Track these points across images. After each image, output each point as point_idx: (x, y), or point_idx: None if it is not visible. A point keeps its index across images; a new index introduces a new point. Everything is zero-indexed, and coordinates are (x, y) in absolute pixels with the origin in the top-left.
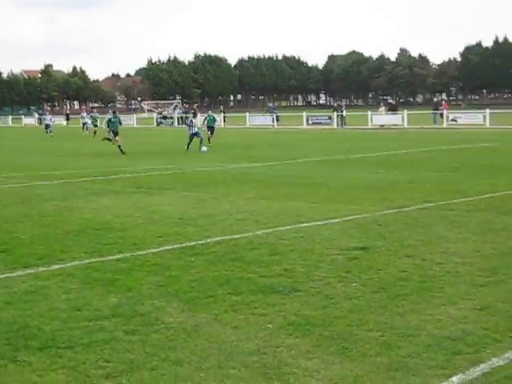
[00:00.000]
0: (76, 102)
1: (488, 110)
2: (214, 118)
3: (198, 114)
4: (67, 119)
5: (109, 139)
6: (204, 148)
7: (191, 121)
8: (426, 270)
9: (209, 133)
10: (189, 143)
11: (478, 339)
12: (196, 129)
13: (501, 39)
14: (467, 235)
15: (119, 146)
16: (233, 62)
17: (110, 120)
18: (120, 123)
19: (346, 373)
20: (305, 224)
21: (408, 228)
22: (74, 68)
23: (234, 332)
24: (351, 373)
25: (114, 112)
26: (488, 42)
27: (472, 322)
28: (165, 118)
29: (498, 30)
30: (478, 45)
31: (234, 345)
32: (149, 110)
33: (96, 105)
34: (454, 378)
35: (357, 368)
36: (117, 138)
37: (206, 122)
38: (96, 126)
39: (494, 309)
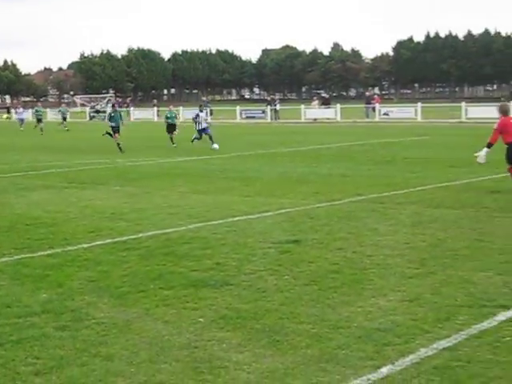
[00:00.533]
0: (7, 96)
1: (419, 104)
2: (175, 114)
3: (208, 110)
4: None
5: (110, 134)
6: (215, 145)
7: (197, 115)
8: (356, 262)
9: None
10: (197, 138)
11: (407, 330)
12: (205, 124)
13: (432, 34)
14: (397, 228)
15: (118, 144)
16: (166, 55)
17: (110, 115)
18: (121, 118)
19: (277, 365)
20: (237, 218)
21: (339, 221)
22: (5, 61)
23: (166, 326)
24: (282, 365)
25: (113, 106)
26: (420, 37)
27: (401, 314)
28: (98, 112)
29: (430, 25)
30: (410, 40)
31: (166, 339)
32: (81, 104)
33: (28, 99)
34: (384, 369)
35: (287, 360)
36: (117, 134)
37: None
38: (40, 120)
39: (423, 300)
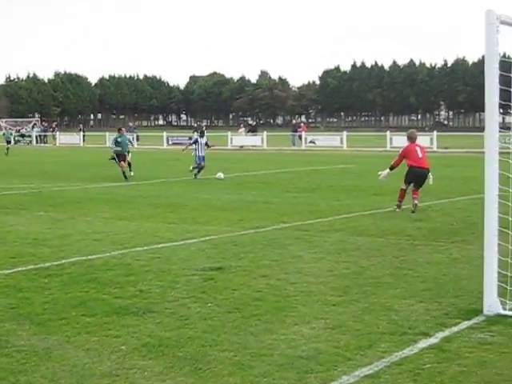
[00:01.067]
0: None
1: (345, 133)
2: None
3: (135, 135)
4: None
5: (114, 159)
6: (220, 175)
7: (196, 141)
8: (280, 289)
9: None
10: (199, 168)
11: (330, 357)
12: (203, 152)
13: (358, 63)
14: (321, 255)
15: (123, 172)
16: (93, 80)
17: (116, 140)
18: (131, 142)
19: None
20: (162, 244)
21: (264, 248)
22: None
23: (87, 354)
24: None
25: (119, 130)
26: (346, 66)
27: (324, 341)
28: (23, 136)
29: (356, 54)
30: (337, 69)
31: (87, 367)
32: (6, 128)
33: None
34: None
35: None
36: (122, 162)
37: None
38: (9, 142)
39: (346, 327)
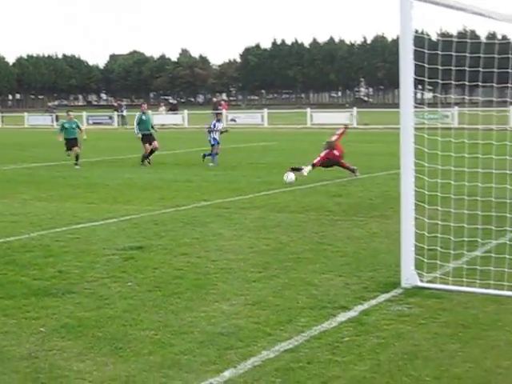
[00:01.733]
0: None
1: (266, 110)
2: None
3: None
4: None
5: (146, 156)
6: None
7: (214, 125)
8: (200, 267)
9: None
10: (213, 154)
11: (250, 333)
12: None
13: (279, 41)
14: (242, 232)
15: (147, 156)
16: (11, 60)
17: (140, 119)
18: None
19: (119, 373)
20: (81, 225)
21: (184, 226)
22: None
23: (5, 337)
24: (124, 372)
25: (141, 105)
26: (267, 44)
27: (244, 317)
28: None
29: (276, 32)
30: (257, 46)
31: (5, 350)
32: None
33: None
34: (226, 373)
35: (130, 367)
36: (147, 145)
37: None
38: None
39: (266, 303)
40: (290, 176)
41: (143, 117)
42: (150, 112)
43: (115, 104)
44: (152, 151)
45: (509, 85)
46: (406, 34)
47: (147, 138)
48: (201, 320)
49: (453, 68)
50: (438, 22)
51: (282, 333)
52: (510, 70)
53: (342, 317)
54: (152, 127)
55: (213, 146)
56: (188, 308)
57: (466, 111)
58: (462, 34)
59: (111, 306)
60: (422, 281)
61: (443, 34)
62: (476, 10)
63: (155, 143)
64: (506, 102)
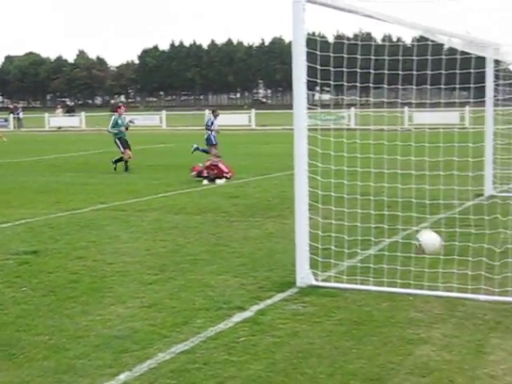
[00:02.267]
0: None
1: (164, 112)
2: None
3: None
4: None
5: (120, 159)
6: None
7: (212, 123)
8: (97, 270)
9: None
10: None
11: (146, 336)
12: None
13: (177, 43)
14: (139, 235)
15: (126, 162)
16: None
17: (116, 122)
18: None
19: (13, 379)
20: None
21: (81, 230)
22: None
23: None
24: (17, 379)
25: (116, 109)
26: (165, 46)
27: (140, 320)
28: None
29: (175, 34)
30: (155, 48)
31: None
32: None
33: None
34: (122, 376)
35: (23, 374)
36: (127, 150)
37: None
38: None
39: (162, 305)
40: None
41: (119, 120)
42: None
43: (11, 106)
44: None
45: (399, 86)
46: (299, 36)
47: (125, 143)
48: (96, 324)
49: (344, 69)
50: (335, 25)
51: (178, 334)
52: (400, 72)
53: (238, 317)
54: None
55: (212, 145)
56: (84, 312)
57: (358, 112)
58: (357, 36)
59: (5, 311)
60: (316, 280)
61: (339, 36)
62: (367, 12)
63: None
64: (397, 103)
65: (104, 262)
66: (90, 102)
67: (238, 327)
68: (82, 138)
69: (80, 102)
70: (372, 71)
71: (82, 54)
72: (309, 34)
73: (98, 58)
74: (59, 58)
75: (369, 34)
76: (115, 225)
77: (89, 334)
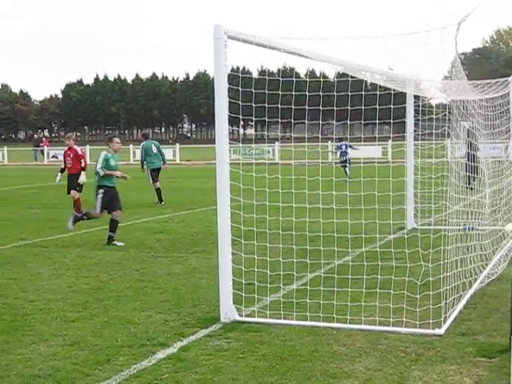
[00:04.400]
0: None
1: (88, 147)
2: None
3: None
4: None
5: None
6: None
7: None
8: (18, 308)
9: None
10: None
11: (68, 374)
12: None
13: (101, 77)
14: (61, 271)
15: (159, 192)
16: None
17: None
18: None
19: None
20: None
21: (1, 267)
22: None
23: None
24: None
25: (145, 136)
26: (89, 80)
27: (62, 358)
28: None
29: (99, 67)
30: (80, 82)
31: None
32: None
33: None
34: None
35: None
36: (157, 182)
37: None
38: None
39: (84, 343)
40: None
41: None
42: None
43: None
44: None
45: (320, 121)
46: (221, 72)
47: (156, 173)
48: (17, 363)
49: (266, 105)
50: (259, 59)
51: (100, 373)
52: (320, 107)
53: (162, 354)
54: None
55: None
56: (3, 351)
57: (279, 147)
58: (281, 71)
59: None
60: (240, 315)
61: (263, 71)
62: (290, 49)
63: None
64: (318, 138)
65: (25, 300)
66: (13, 136)
67: (162, 364)
68: (5, 172)
69: (3, 137)
70: (293, 107)
71: (4, 88)
72: (232, 69)
73: (21, 91)
74: None
75: (293, 69)
76: (37, 261)
77: (9, 374)
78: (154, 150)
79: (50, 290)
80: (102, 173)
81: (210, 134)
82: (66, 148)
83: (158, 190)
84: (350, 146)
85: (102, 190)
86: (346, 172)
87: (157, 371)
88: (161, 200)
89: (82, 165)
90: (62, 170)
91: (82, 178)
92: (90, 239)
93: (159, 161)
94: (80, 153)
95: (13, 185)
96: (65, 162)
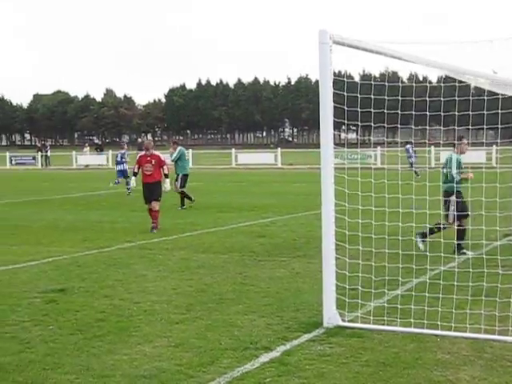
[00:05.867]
0: None
1: (191, 151)
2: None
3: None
4: None
5: (187, 197)
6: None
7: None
8: (123, 309)
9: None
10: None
11: (172, 376)
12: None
13: (204, 82)
14: (165, 274)
15: (185, 197)
16: None
17: (181, 156)
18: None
19: None
20: (2, 267)
21: (108, 268)
22: None
23: None
24: None
25: (176, 143)
26: (192, 85)
27: (167, 359)
28: None
29: (201, 72)
30: (182, 87)
31: None
32: None
33: None
34: None
35: None
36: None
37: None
38: None
39: (188, 345)
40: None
41: (183, 155)
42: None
43: (39, 144)
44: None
45: (426, 127)
46: (325, 77)
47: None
48: (123, 363)
49: (372, 110)
50: (361, 63)
51: (204, 375)
52: (427, 113)
53: (265, 357)
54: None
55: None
56: (110, 351)
57: (385, 152)
58: (383, 75)
59: (32, 349)
60: (343, 320)
61: (365, 76)
62: (394, 53)
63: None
64: (425, 143)
65: (131, 301)
66: (117, 140)
67: (265, 368)
68: (109, 176)
69: (107, 140)
70: (399, 112)
71: (109, 93)
72: (335, 74)
73: (126, 96)
74: (87, 97)
75: (395, 73)
76: (142, 263)
77: (115, 374)
78: (186, 156)
79: (155, 292)
80: (458, 178)
81: (312, 138)
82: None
83: (183, 194)
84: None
85: (453, 197)
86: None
87: (260, 375)
88: (183, 204)
89: (165, 171)
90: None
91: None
92: (193, 242)
93: (189, 167)
94: (162, 159)
95: (118, 188)
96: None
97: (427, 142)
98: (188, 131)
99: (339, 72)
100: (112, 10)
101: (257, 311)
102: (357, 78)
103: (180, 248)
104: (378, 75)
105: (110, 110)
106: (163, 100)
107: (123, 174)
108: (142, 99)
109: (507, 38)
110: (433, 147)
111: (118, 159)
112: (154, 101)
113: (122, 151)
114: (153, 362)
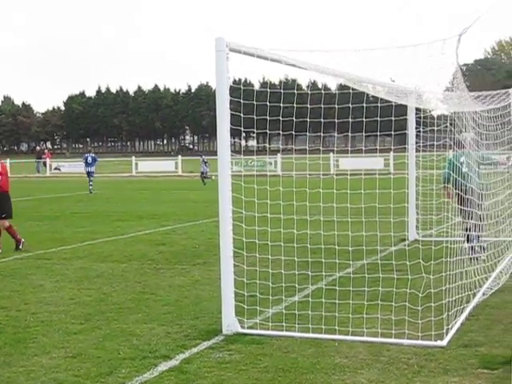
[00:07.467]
0: None
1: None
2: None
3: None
4: None
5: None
6: None
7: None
8: (20, 320)
9: None
10: None
11: None
12: None
13: (103, 89)
14: (63, 284)
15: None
16: None
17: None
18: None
19: None
20: None
21: (4, 279)
22: None
23: None
24: None
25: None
26: (91, 92)
27: (64, 370)
28: None
29: (101, 80)
30: (82, 94)
31: None
32: None
33: None
34: None
35: None
36: None
37: None
38: None
39: (86, 355)
40: None
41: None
42: None
43: None
44: None
45: (320, 134)
46: (222, 85)
47: None
48: (19, 375)
49: (268, 118)
50: (261, 71)
51: None
52: (322, 120)
53: (164, 366)
54: None
55: None
56: (6, 363)
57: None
58: (283, 83)
59: None
60: (242, 327)
61: (265, 83)
62: (292, 61)
63: None
64: (319, 150)
65: (28, 312)
66: (16, 148)
67: (164, 376)
68: None
69: (5, 149)
70: (294, 119)
71: (7, 100)
72: (234, 82)
73: (24, 104)
74: None
75: (295, 81)
76: (40, 274)
77: None
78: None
79: (53, 303)
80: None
81: (212, 145)
82: None
83: None
84: None
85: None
86: None
87: (158, 383)
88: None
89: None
90: None
91: None
92: (93, 251)
93: None
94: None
95: (15, 197)
96: None
97: (321, 148)
98: (88, 139)
99: (239, 80)
100: (7, 15)
101: (156, 320)
102: (257, 86)
103: (79, 257)
104: (277, 82)
105: (8, 117)
106: (62, 108)
107: None
108: (40, 107)
109: (402, 46)
110: (331, 154)
111: None
112: (53, 108)
113: None
114: (50, 374)
